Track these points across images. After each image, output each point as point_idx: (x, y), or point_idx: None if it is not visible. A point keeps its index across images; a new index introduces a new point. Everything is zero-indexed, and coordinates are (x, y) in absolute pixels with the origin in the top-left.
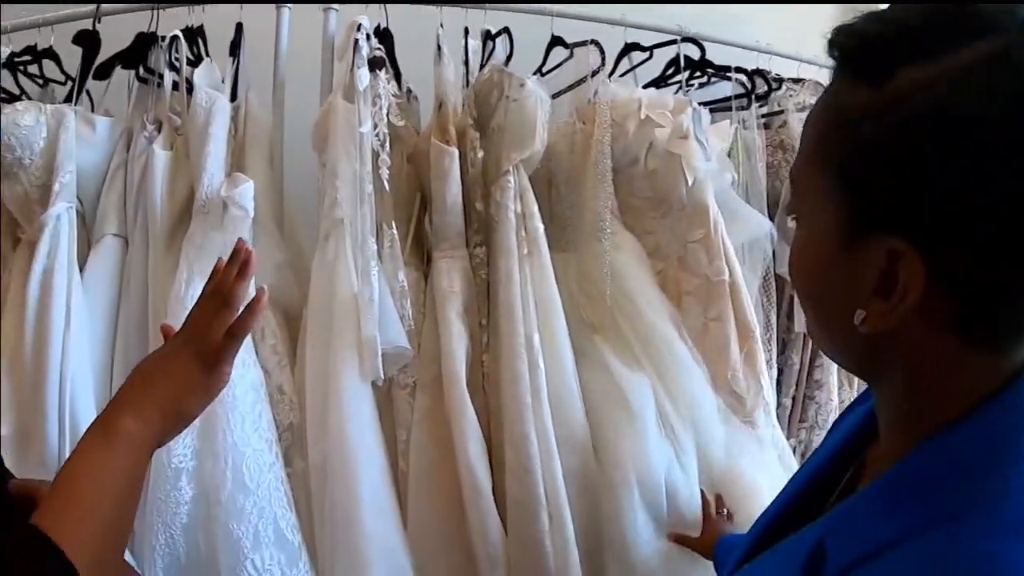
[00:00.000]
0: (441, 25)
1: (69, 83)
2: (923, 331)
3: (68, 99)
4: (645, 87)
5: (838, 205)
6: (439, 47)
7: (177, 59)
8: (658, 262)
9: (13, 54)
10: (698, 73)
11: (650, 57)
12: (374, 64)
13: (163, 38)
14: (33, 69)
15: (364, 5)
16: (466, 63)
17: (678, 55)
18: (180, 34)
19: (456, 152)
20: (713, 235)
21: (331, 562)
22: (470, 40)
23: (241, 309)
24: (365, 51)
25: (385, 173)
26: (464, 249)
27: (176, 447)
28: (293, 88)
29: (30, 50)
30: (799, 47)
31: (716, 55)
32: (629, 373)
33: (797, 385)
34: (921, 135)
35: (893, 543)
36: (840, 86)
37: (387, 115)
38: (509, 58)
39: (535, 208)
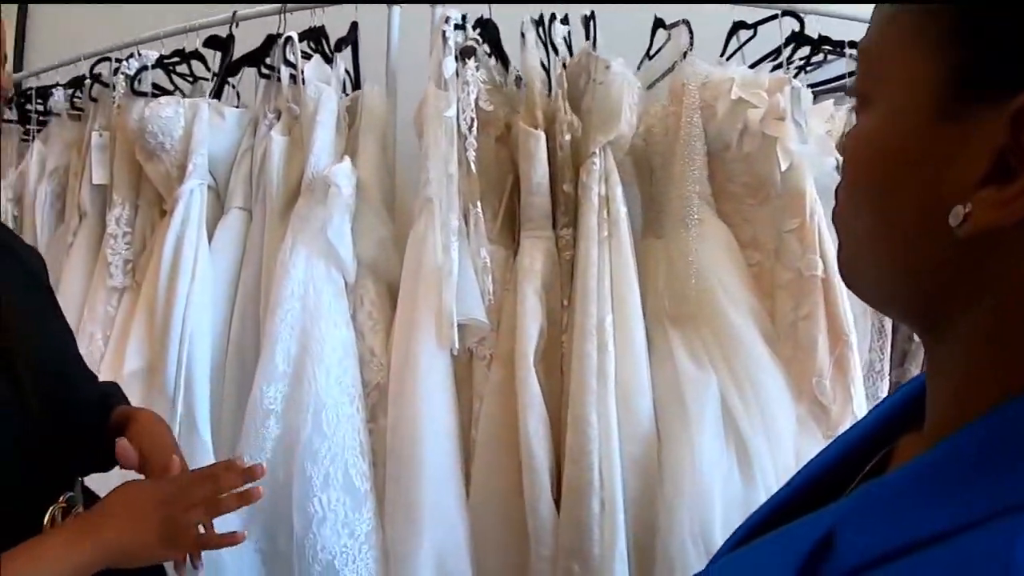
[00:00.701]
0: (543, 16)
1: (215, 79)
2: None
3: (217, 93)
4: (751, 66)
5: (939, 65)
6: (522, 34)
7: (294, 56)
8: (754, 253)
9: (162, 56)
10: (817, 51)
11: (754, 35)
12: (464, 53)
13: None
14: (183, 68)
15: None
16: (554, 48)
17: (794, 32)
18: (294, 35)
19: (542, 135)
20: (809, 225)
21: (392, 514)
22: (563, 26)
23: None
24: (452, 42)
25: (471, 155)
26: (550, 230)
27: (268, 391)
28: (410, 79)
29: (179, 52)
30: None
31: (846, 31)
32: (695, 370)
33: None
34: None
35: (931, 539)
36: None
37: (475, 100)
38: (595, 42)
39: (619, 191)
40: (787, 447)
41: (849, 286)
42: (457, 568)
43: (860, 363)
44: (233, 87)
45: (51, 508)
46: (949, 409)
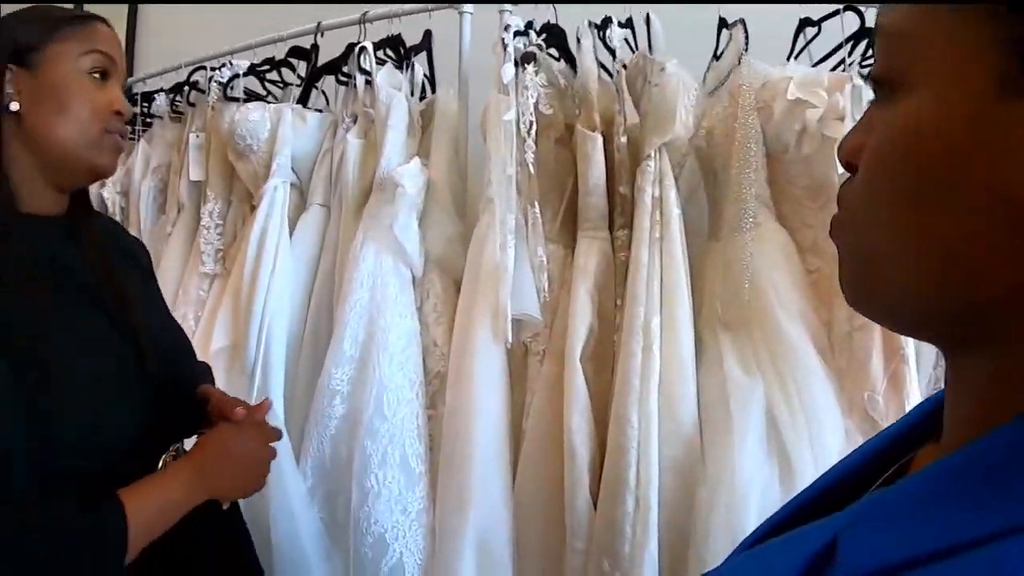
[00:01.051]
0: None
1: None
2: None
3: (303, 98)
4: (815, 64)
5: (996, 34)
6: (578, 39)
7: (368, 64)
8: (814, 259)
9: (254, 64)
10: None
11: (819, 32)
12: (525, 59)
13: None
14: (273, 75)
15: (535, 5)
16: (611, 51)
17: (863, 27)
18: (369, 45)
19: (599, 138)
20: None
21: (442, 493)
22: (620, 29)
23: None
24: (511, 48)
25: (530, 157)
26: (606, 231)
27: (336, 373)
28: (482, 84)
29: (269, 60)
30: None
31: None
32: (742, 376)
33: None
34: None
35: (934, 555)
36: None
37: (534, 104)
38: (650, 44)
39: (673, 194)
40: (832, 460)
41: (863, 307)
42: (498, 549)
43: (922, 380)
44: (321, 91)
45: (163, 456)
46: (971, 418)
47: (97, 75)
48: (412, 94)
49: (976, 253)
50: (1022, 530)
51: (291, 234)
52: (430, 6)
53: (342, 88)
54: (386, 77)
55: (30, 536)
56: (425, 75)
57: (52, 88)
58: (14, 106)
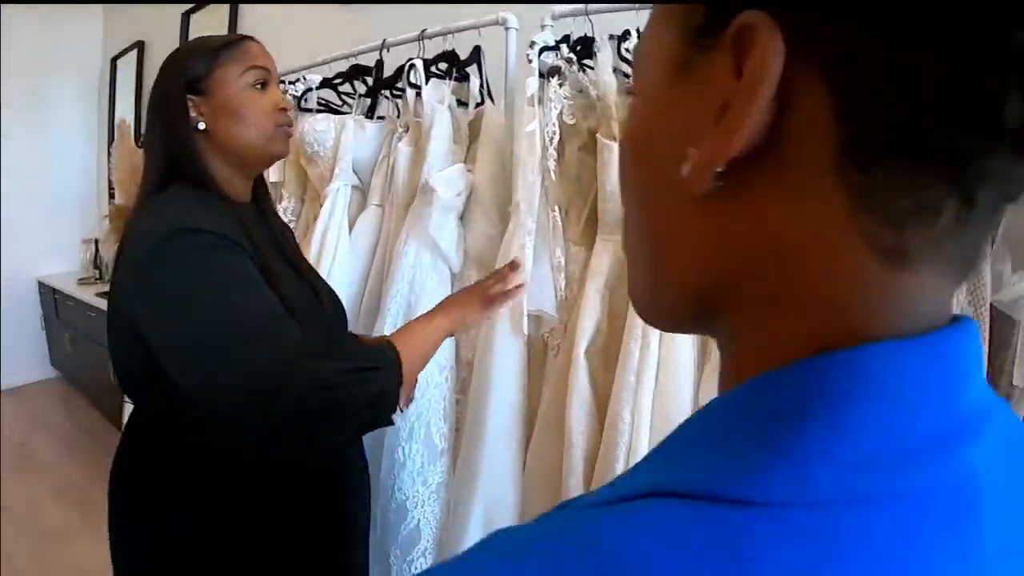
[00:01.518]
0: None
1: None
2: (803, 205)
3: (371, 108)
4: None
5: (678, 28)
6: (595, 52)
7: (417, 79)
8: None
9: (326, 79)
10: None
11: None
12: (550, 73)
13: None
14: (346, 87)
15: (573, 18)
16: (627, 62)
17: None
18: (418, 62)
19: (615, 146)
20: None
21: (459, 468)
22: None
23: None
24: (535, 64)
25: (551, 164)
26: (620, 234)
27: None
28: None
29: (342, 74)
30: None
31: None
32: None
33: None
34: None
35: (604, 503)
36: None
37: (557, 116)
38: None
39: None
40: None
41: (644, 316)
42: (502, 523)
43: None
44: (391, 101)
45: None
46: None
47: (258, 85)
48: (468, 104)
49: (679, 240)
50: (631, 500)
51: (352, 230)
52: (479, 23)
53: (398, 101)
54: (431, 91)
55: (346, 360)
56: (481, 86)
57: (226, 106)
58: (201, 125)
